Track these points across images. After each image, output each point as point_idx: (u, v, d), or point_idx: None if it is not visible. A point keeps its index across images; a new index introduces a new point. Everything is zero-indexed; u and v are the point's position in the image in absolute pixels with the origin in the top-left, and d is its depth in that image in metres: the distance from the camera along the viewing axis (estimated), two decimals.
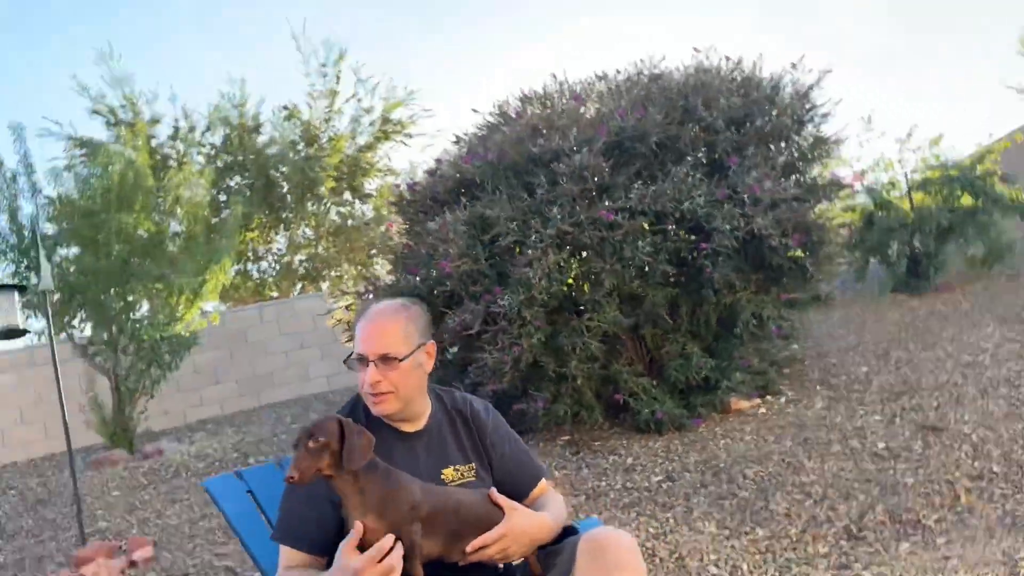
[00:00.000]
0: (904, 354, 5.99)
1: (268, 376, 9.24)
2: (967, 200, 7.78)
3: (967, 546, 3.19)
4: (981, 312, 6.87)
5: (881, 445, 4.39)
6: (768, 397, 5.41)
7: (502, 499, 1.82)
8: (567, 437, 5.19)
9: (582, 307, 5.02)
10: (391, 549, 1.58)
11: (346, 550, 1.59)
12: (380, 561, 1.57)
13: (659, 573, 3.44)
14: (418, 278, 5.19)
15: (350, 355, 1.89)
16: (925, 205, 7.93)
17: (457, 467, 1.93)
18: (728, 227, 4.62)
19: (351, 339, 6.37)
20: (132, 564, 4.55)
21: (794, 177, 5.21)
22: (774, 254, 4.78)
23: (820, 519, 3.75)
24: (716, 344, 5.27)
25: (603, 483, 4.46)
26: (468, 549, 1.73)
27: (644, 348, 5.30)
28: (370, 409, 1.88)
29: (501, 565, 1.87)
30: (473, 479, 1.93)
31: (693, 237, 4.83)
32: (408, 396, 1.88)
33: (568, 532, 1.97)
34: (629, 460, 4.72)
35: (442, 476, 1.90)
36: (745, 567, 3.47)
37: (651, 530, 3.84)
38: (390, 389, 1.84)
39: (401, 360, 1.84)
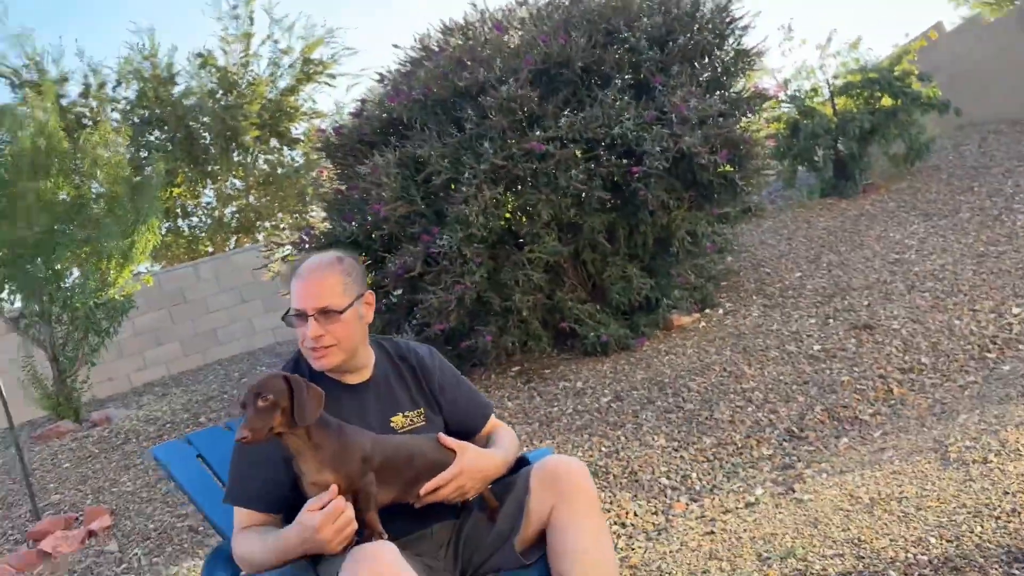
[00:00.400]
0: (835, 257, 6.18)
1: (211, 333, 9.11)
2: (887, 101, 7.93)
3: (901, 436, 3.38)
4: (906, 210, 7.10)
5: (817, 347, 4.57)
6: (707, 311, 5.55)
7: (452, 441, 1.86)
8: (517, 368, 5.27)
9: (522, 240, 5.03)
10: (346, 506, 1.61)
11: (311, 508, 1.61)
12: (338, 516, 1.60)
13: (613, 489, 3.56)
14: (354, 224, 5.12)
15: (287, 312, 1.88)
16: (847, 109, 8.06)
17: (406, 413, 1.96)
18: (658, 148, 4.65)
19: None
20: (91, 534, 4.53)
21: (719, 93, 5.24)
22: (704, 171, 4.84)
23: (763, 423, 3.92)
24: (654, 264, 5.36)
25: (555, 409, 4.56)
26: (421, 492, 1.76)
27: (586, 274, 5.37)
28: (313, 364, 1.87)
29: (460, 504, 1.92)
30: (423, 424, 1.96)
31: (625, 161, 4.85)
32: (351, 348, 1.89)
33: (520, 463, 2.03)
34: (579, 384, 4.83)
35: (391, 424, 1.92)
36: (694, 475, 3.63)
37: (603, 449, 3.96)
38: (333, 342, 1.84)
39: (342, 312, 1.84)
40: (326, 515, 1.58)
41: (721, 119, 4.83)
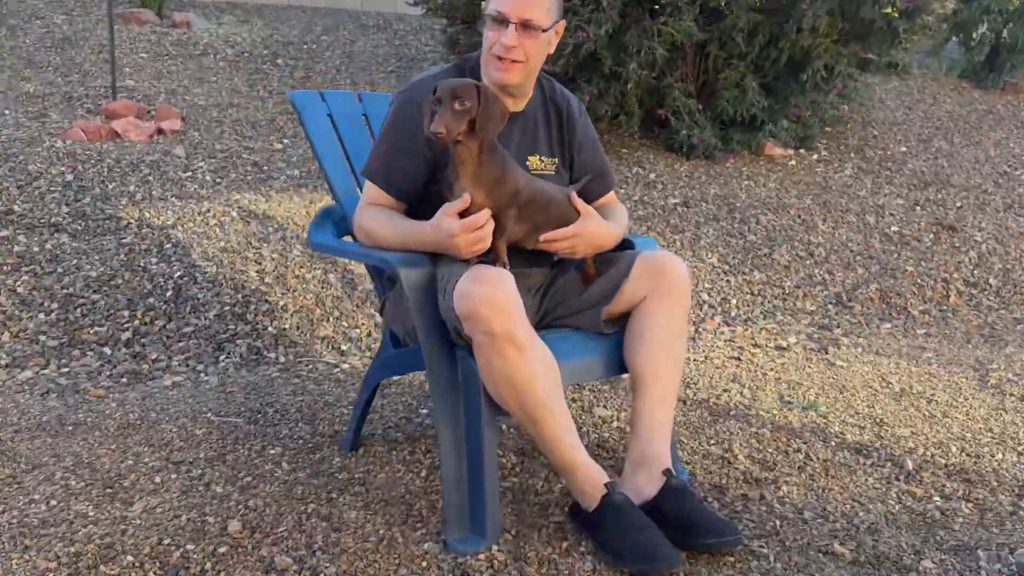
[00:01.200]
0: (946, 145, 5.91)
1: None
2: None
3: (944, 343, 3.45)
4: None
5: (894, 228, 4.51)
6: (802, 151, 5.39)
7: (581, 203, 1.88)
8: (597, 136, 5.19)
9: (658, 7, 4.73)
10: (484, 224, 1.66)
11: (449, 212, 1.66)
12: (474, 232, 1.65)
13: None
14: None
15: (483, 12, 1.81)
16: None
17: (543, 158, 1.96)
18: None
19: None
20: (160, 132, 4.66)
21: None
22: (875, 7, 4.45)
23: (816, 279, 3.97)
24: (775, 84, 5.10)
25: (621, 191, 4.56)
26: (542, 239, 1.82)
27: (702, 69, 5.11)
28: (492, 75, 1.82)
29: (556, 257, 1.98)
30: (552, 173, 1.97)
31: None
32: (532, 70, 1.85)
33: (625, 244, 2.07)
34: (652, 176, 4.80)
35: (527, 162, 1.92)
36: (734, 302, 3.74)
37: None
38: (521, 58, 1.79)
39: (543, 31, 1.78)
40: (465, 224, 1.64)
41: None
